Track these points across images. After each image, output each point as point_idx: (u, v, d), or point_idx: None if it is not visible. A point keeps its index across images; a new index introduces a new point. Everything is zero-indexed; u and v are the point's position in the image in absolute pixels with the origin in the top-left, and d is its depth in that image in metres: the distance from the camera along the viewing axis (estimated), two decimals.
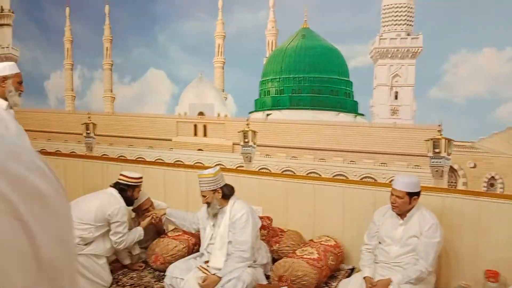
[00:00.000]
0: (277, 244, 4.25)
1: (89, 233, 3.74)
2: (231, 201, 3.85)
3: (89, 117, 5.34)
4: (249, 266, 3.69)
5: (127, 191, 3.95)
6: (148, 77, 4.98)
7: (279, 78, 4.42)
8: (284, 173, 4.48)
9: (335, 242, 4.14)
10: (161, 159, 5.00)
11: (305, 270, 3.62)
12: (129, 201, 3.97)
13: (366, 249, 3.60)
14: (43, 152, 5.59)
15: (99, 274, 3.78)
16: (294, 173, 4.44)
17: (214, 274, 3.61)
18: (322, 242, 4.08)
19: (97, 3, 5.13)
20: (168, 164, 4.96)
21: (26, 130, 5.67)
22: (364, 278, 3.45)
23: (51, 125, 5.58)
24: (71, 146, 5.47)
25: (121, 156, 5.20)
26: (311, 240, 4.20)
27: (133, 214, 4.34)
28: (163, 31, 4.84)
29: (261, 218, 4.21)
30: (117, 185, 3.97)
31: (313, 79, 4.30)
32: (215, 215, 3.82)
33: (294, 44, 4.33)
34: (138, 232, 4.02)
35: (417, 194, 3.41)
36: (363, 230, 3.71)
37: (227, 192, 3.84)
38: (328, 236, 4.22)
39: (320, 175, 4.34)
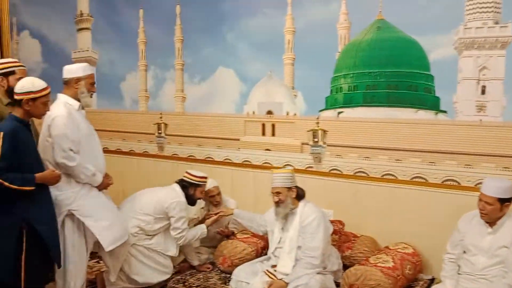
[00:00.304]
0: (350, 250, 3.99)
1: (147, 224, 3.71)
2: (301, 203, 3.66)
3: (160, 117, 5.38)
4: (318, 273, 3.47)
5: (189, 188, 3.88)
6: (217, 76, 4.92)
7: (353, 73, 4.17)
8: (356, 174, 4.21)
9: (413, 250, 3.81)
10: (229, 159, 4.91)
11: (379, 279, 3.34)
12: (190, 200, 3.89)
13: (449, 259, 3.24)
14: (118, 152, 5.73)
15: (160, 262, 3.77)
16: (367, 174, 4.16)
17: (281, 279, 3.44)
18: (399, 250, 3.78)
19: (169, 3, 5.16)
20: (236, 164, 4.86)
21: (103, 131, 5.87)
22: None
23: (126, 125, 5.69)
24: (144, 145, 5.54)
25: (191, 156, 5.18)
26: (387, 247, 3.90)
27: (203, 203, 4.30)
28: (231, 29, 4.75)
29: (332, 222, 3.99)
30: (180, 182, 3.93)
31: (390, 74, 4.00)
32: (284, 217, 3.63)
33: (369, 37, 4.05)
34: (201, 230, 3.94)
35: (509, 200, 3.01)
36: (444, 237, 3.35)
37: (301, 193, 3.66)
38: (405, 243, 3.90)
39: (396, 177, 4.03)
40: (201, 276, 3.98)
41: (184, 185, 3.90)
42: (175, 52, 5.19)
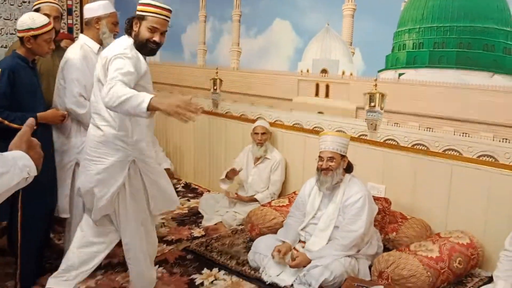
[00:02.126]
0: (394, 233, 3.48)
1: None
2: (347, 177, 3.22)
3: (216, 73, 5.10)
4: (349, 256, 3.04)
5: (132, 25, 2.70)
6: (273, 29, 4.50)
7: (419, 28, 3.53)
8: (415, 147, 3.63)
9: (469, 241, 3.21)
10: (281, 121, 4.53)
11: (414, 269, 2.82)
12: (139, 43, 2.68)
13: (506, 256, 2.64)
14: None
15: None
16: (428, 148, 3.56)
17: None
18: (452, 239, 3.20)
19: None
20: (286, 127, 4.47)
21: (164, 84, 5.76)
22: None
23: (185, 79, 5.51)
24: (200, 101, 5.32)
25: (243, 114, 4.87)
26: (437, 234, 3.33)
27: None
28: None
29: (377, 199, 3.49)
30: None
31: (462, 30, 3.31)
32: (329, 189, 3.20)
33: None
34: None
35: None
36: None
37: (351, 164, 3.25)
38: (462, 232, 3.30)
39: (461, 154, 3.39)
40: (226, 242, 3.72)
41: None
42: (233, 1, 4.83)
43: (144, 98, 2.22)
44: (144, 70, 2.59)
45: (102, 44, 3.18)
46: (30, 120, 1.32)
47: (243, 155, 4.48)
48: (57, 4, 3.32)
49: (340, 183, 3.20)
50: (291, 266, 3.04)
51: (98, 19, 3.13)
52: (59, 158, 3.14)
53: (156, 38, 2.57)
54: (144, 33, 2.57)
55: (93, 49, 3.13)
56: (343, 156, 3.17)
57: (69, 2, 6.46)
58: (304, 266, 3.02)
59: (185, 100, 2.25)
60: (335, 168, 3.15)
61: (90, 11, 3.13)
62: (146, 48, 2.60)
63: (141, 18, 2.57)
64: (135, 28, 2.59)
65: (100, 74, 2.56)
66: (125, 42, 2.59)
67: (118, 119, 2.55)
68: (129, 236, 2.72)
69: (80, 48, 3.08)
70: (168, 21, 2.63)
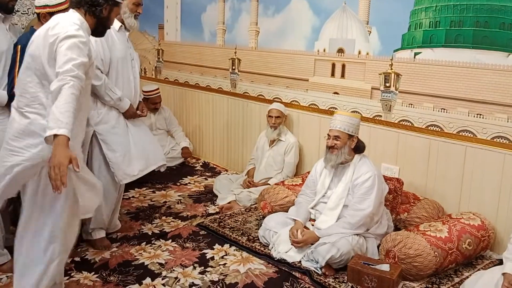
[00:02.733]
0: (406, 213, 3.48)
1: None
2: (357, 157, 3.23)
3: (235, 52, 5.13)
4: (357, 235, 3.07)
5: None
6: (291, 8, 4.48)
7: (436, 6, 3.47)
8: (429, 128, 3.60)
9: (481, 222, 3.19)
10: (297, 101, 4.53)
11: (421, 249, 2.84)
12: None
13: None
14: (197, 87, 5.65)
15: None
16: (442, 129, 3.52)
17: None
18: (462, 220, 3.18)
19: None
20: (302, 107, 4.48)
21: (184, 64, 5.82)
22: (504, 274, 2.52)
23: (204, 59, 5.55)
24: (219, 81, 5.37)
25: (260, 95, 4.89)
26: (449, 215, 3.32)
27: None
28: None
29: (389, 180, 3.49)
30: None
31: (479, 7, 3.24)
32: (333, 167, 3.24)
33: None
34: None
35: None
36: None
37: (361, 145, 3.24)
38: (474, 213, 3.28)
39: (475, 135, 3.35)
40: (239, 219, 3.79)
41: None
42: None
43: (58, 130, 2.04)
44: (92, 54, 2.44)
45: (123, 23, 3.26)
46: None
47: (258, 143, 4.53)
48: None
49: (349, 162, 3.21)
50: (296, 243, 3.08)
51: None
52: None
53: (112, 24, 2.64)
54: (113, 20, 2.60)
55: (114, 26, 3.20)
56: (350, 136, 3.17)
57: None
58: (312, 244, 3.07)
59: (64, 165, 2.03)
60: (340, 147, 3.17)
61: None
62: (103, 32, 2.60)
63: (115, 5, 2.55)
64: (104, 12, 2.50)
65: (43, 53, 2.31)
66: (77, 20, 2.40)
67: (50, 107, 2.20)
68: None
69: None
70: None
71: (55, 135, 2.04)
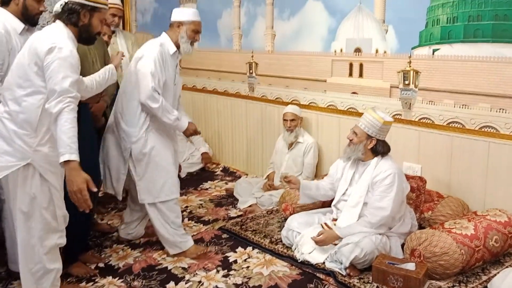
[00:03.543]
0: (430, 212, 3.44)
1: None
2: (377, 158, 3.20)
3: (252, 56, 5.15)
4: (380, 234, 3.04)
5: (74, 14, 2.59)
6: (306, 10, 4.48)
7: (453, 2, 3.43)
8: (450, 125, 3.55)
9: (507, 219, 3.12)
10: (315, 102, 4.52)
11: (447, 247, 2.79)
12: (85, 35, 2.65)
13: None
14: (215, 92, 5.68)
15: None
16: (464, 126, 3.47)
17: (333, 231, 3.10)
18: (488, 217, 3.12)
19: None
20: (321, 109, 4.46)
21: (202, 70, 5.86)
22: None
23: (222, 64, 5.58)
24: (237, 85, 5.39)
25: (278, 98, 4.89)
26: (474, 212, 3.26)
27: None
28: None
29: (412, 178, 3.45)
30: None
31: (498, 1, 3.19)
32: (348, 159, 3.26)
33: None
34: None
35: None
36: None
37: (380, 149, 3.19)
38: (500, 210, 3.22)
39: (498, 130, 3.29)
40: (261, 221, 3.78)
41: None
42: None
43: (70, 156, 2.25)
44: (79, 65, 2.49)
45: (179, 47, 3.29)
46: None
47: (276, 147, 4.54)
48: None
49: (370, 160, 3.19)
50: (316, 242, 3.07)
51: (180, 23, 3.23)
52: (122, 143, 3.25)
53: (103, 30, 2.65)
54: (97, 26, 2.60)
55: (170, 50, 3.23)
56: (370, 137, 3.15)
57: None
58: (331, 243, 3.05)
59: (84, 189, 2.27)
60: (356, 143, 3.18)
61: (176, 14, 3.26)
62: (91, 40, 2.63)
63: (94, 10, 2.56)
64: (83, 19, 2.52)
65: (25, 61, 2.41)
66: (63, 31, 2.49)
67: (25, 114, 2.38)
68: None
69: (158, 45, 3.17)
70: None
71: (68, 161, 2.24)
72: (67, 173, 2.26)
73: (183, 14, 3.26)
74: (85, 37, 2.58)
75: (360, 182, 3.22)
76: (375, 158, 3.20)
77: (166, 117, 3.15)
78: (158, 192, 3.20)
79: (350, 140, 3.22)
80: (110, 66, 2.96)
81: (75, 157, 2.25)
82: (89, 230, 3.42)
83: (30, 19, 3.00)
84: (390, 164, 3.17)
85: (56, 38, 2.41)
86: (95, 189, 2.31)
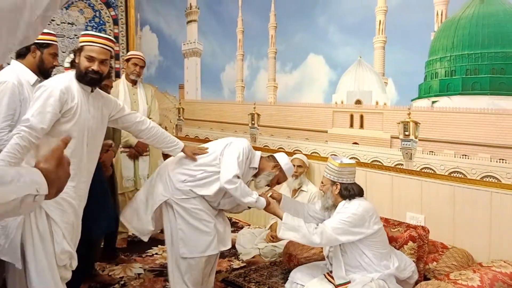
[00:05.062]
0: (435, 263, 3.41)
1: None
2: (344, 201, 3.13)
3: (254, 108, 5.26)
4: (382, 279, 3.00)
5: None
6: (308, 64, 4.63)
7: (450, 56, 3.55)
8: (452, 175, 3.59)
9: None
10: (317, 152, 4.58)
11: None
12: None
13: None
14: None
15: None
16: (465, 175, 3.51)
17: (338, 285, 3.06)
18: (493, 268, 3.10)
19: None
20: (323, 158, 4.52)
21: (205, 121, 5.96)
22: None
23: (225, 115, 5.70)
24: (240, 136, 5.45)
25: (280, 148, 4.96)
26: (479, 264, 3.24)
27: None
28: (323, 12, 4.42)
29: (413, 228, 3.45)
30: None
31: (494, 56, 3.32)
32: (324, 209, 3.22)
33: (470, 12, 3.42)
34: None
35: None
36: None
37: (346, 193, 3.07)
38: (505, 261, 3.20)
39: (500, 180, 3.33)
40: (264, 273, 3.75)
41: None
42: (268, 39, 5.02)
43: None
44: (71, 105, 2.60)
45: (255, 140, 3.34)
46: (67, 137, 1.23)
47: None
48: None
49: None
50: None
51: None
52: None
53: (95, 67, 2.65)
54: (83, 63, 2.69)
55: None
56: (333, 182, 3.11)
57: (117, 48, 6.87)
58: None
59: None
60: (325, 191, 3.14)
61: None
62: (86, 77, 2.69)
63: (80, 49, 2.70)
64: (76, 60, 2.69)
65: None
66: (67, 75, 2.73)
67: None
68: None
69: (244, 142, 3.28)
70: (107, 50, 2.72)
71: None
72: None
73: None
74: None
75: None
76: (342, 201, 3.13)
77: (246, 199, 3.11)
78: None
79: (321, 190, 3.21)
80: None
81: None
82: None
83: (45, 72, 3.10)
84: (353, 205, 3.02)
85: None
86: None
